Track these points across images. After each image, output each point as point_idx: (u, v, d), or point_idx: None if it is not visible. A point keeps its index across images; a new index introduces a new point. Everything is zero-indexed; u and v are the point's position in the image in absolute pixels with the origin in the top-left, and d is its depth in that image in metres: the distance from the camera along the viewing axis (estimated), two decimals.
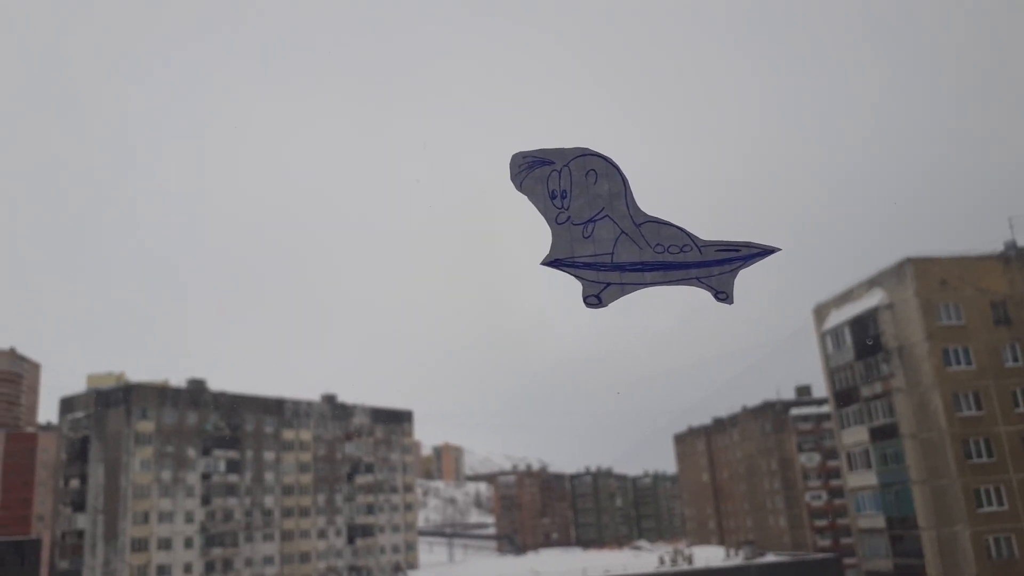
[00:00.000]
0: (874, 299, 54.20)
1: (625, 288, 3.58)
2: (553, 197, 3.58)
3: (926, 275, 51.42)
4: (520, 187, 3.56)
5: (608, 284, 3.57)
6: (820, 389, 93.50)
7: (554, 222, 3.58)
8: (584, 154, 3.58)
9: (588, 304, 3.59)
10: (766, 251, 3.64)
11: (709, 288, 3.61)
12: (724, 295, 3.61)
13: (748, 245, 3.63)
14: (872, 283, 54.99)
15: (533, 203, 3.59)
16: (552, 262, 3.58)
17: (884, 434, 53.92)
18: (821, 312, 59.81)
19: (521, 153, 3.57)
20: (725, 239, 3.67)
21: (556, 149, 3.58)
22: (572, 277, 3.61)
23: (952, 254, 52.52)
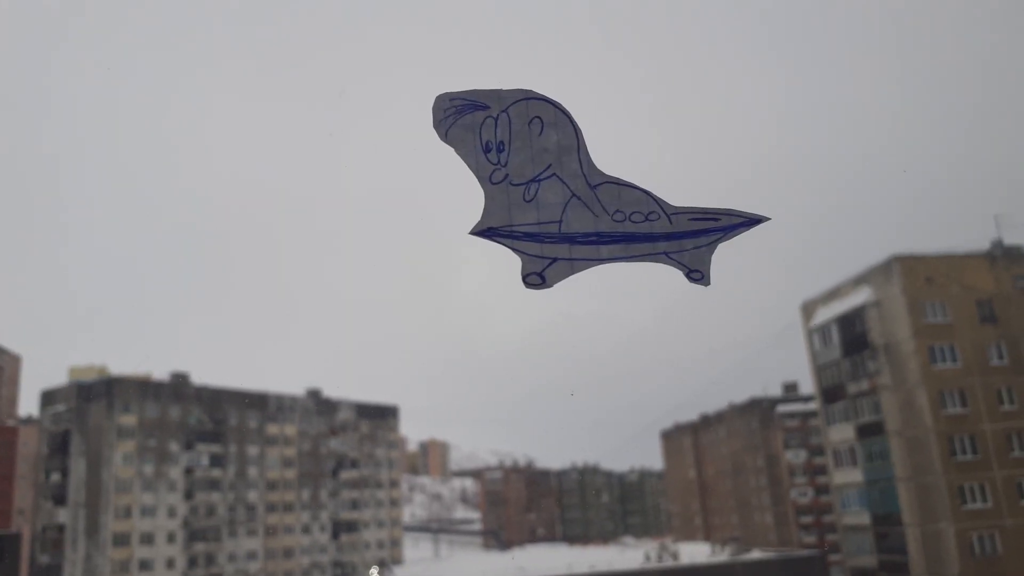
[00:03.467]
0: (861, 296, 54.18)
1: (575, 265, 2.85)
2: (487, 150, 2.84)
3: (913, 273, 51.45)
4: (445, 137, 2.83)
5: (555, 259, 2.83)
6: (807, 386, 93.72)
7: (488, 181, 2.85)
8: (527, 97, 2.84)
9: (528, 284, 2.85)
10: (751, 220, 2.91)
11: (680, 266, 2.88)
12: (699, 274, 2.91)
13: (729, 213, 2.87)
14: (859, 280, 54.97)
15: (462, 157, 2.85)
16: (484, 231, 2.83)
17: (870, 431, 53.96)
18: (808, 309, 59.77)
19: (448, 94, 2.84)
20: (700, 205, 2.87)
21: (492, 90, 2.83)
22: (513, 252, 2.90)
23: (939, 252, 52.57)
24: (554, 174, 2.83)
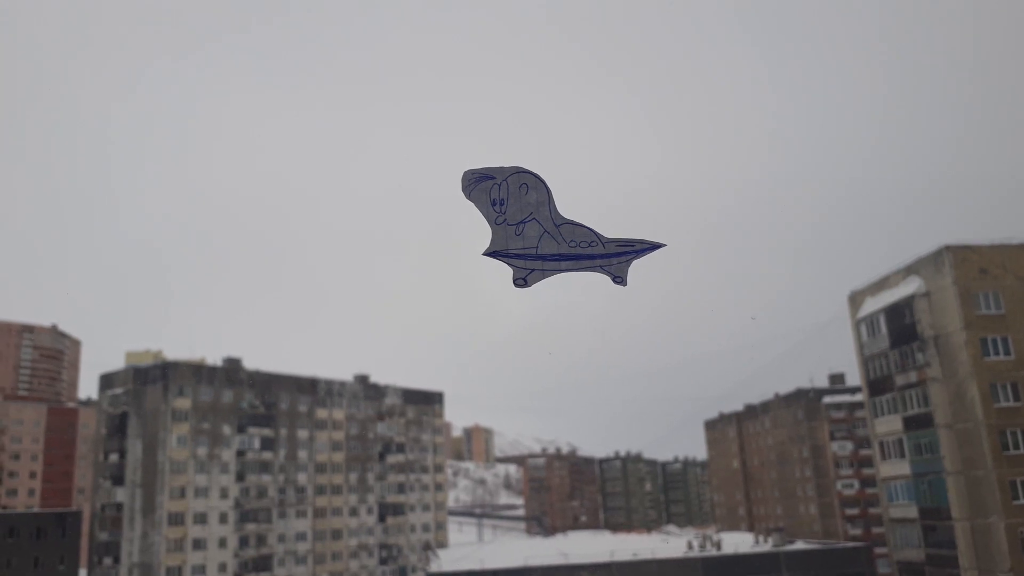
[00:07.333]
0: (911, 287, 53.49)
1: (546, 273, 4.61)
2: (494, 204, 4.59)
3: (965, 263, 50.62)
4: (469, 197, 4.60)
5: (532, 270, 4.59)
6: (854, 377, 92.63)
7: (494, 223, 4.59)
8: (519, 171, 4.59)
9: (516, 285, 4.61)
10: (654, 246, 4.66)
11: (609, 274, 4.63)
12: (620, 279, 4.63)
13: (641, 241, 4.66)
14: (909, 271, 54.25)
15: (478, 209, 4.60)
16: (491, 253, 4.61)
17: (918, 423, 53.35)
18: (856, 299, 59.17)
19: (470, 170, 4.60)
20: (626, 236, 4.71)
21: (497, 167, 4.59)
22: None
23: (992, 241, 51.62)
24: (534, 218, 4.61)
